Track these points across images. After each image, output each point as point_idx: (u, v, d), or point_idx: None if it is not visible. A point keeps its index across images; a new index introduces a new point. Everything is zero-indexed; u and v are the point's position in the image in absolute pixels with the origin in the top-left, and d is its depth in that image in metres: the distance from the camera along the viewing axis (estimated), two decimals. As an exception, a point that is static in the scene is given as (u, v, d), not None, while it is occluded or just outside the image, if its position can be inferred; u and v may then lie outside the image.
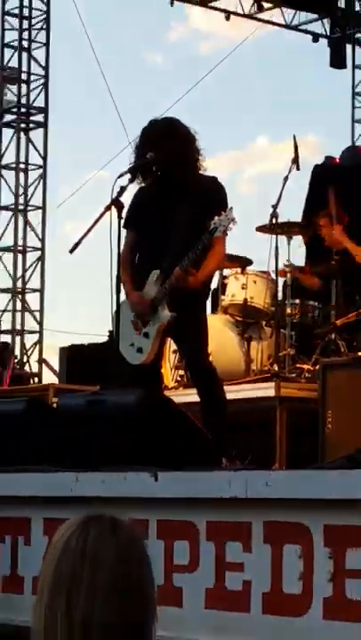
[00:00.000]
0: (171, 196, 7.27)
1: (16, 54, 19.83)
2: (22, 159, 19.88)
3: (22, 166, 19.91)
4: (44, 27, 19.98)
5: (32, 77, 19.89)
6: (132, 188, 7.78)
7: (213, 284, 11.74)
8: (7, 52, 19.78)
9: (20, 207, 19.81)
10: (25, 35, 19.88)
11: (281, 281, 10.24)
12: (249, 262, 10.62)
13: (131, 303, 7.30)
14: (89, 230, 7.79)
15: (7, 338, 18.98)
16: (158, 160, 7.26)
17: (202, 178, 7.41)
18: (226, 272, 10.61)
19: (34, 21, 19.93)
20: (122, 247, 7.32)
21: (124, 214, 7.52)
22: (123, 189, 7.63)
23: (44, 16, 19.99)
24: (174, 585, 5.68)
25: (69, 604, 2.41)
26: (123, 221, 7.38)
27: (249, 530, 5.41)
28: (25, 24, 19.79)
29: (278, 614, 5.25)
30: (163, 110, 19.78)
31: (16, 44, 19.78)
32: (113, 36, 34.62)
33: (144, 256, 7.38)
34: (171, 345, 9.78)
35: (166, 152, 7.22)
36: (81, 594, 2.42)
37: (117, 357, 7.31)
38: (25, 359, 18.82)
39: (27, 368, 17.99)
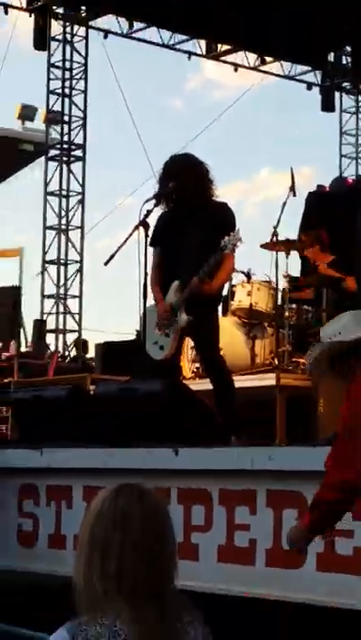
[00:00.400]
0: (188, 219, 7.20)
1: (59, 100, 19.81)
2: (64, 187, 19.92)
3: (64, 193, 19.95)
4: (83, 77, 20.01)
5: (73, 119, 19.92)
6: (156, 212, 7.74)
7: (224, 292, 11.73)
8: (52, 98, 19.80)
9: (63, 227, 19.89)
10: (67, 83, 19.89)
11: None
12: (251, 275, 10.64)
13: (157, 308, 7.22)
14: (120, 246, 7.75)
15: (52, 336, 19.05)
16: (178, 189, 7.20)
17: (214, 203, 7.35)
18: (234, 281, 10.56)
19: (74, 72, 19.93)
20: (150, 262, 7.35)
21: (149, 233, 7.50)
22: (148, 212, 7.59)
23: (83, 68, 20.02)
24: (192, 542, 5.73)
25: (103, 559, 2.42)
26: (150, 240, 7.37)
27: (254, 496, 5.47)
28: (67, 74, 19.81)
29: (279, 567, 5.30)
30: (181, 147, 19.91)
31: (60, 91, 19.80)
32: (140, 83, 34.87)
33: (166, 269, 7.27)
34: (188, 342, 9.73)
35: (184, 182, 7.17)
36: (113, 551, 2.43)
37: (143, 353, 7.31)
38: (66, 354, 18.82)
39: (67, 361, 17.90)
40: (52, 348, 18.28)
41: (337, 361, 4.65)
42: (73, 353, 19.12)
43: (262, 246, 9.96)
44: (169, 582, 2.50)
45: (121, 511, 2.47)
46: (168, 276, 7.23)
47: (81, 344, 18.46)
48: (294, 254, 10.25)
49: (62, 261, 19.88)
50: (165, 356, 7.18)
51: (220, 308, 8.58)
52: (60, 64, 19.81)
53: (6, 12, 19.02)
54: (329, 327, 5.08)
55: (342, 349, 4.59)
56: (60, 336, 19.61)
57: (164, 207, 7.41)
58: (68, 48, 19.84)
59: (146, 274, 7.47)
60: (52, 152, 20.02)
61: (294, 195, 9.83)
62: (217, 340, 7.29)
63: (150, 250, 7.52)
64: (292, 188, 9.73)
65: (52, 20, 19.56)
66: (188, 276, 6.97)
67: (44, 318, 19.33)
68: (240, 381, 7.93)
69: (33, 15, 19.32)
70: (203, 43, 21.03)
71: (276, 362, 8.80)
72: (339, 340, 4.62)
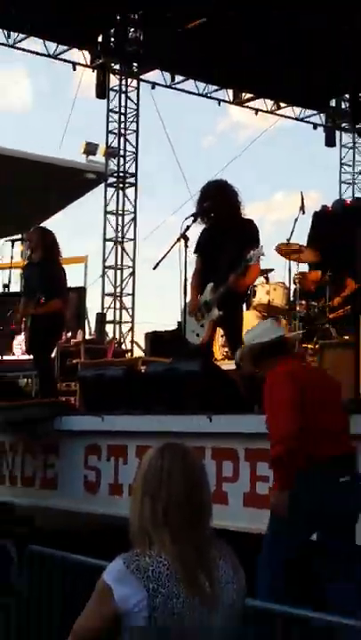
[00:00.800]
0: (222, 233, 7.14)
1: (116, 138, 19.88)
2: (120, 207, 19.98)
3: (120, 212, 19.99)
4: (135, 119, 19.95)
5: (127, 153, 19.95)
6: (194, 227, 7.71)
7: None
8: (110, 137, 19.84)
9: (119, 239, 19.95)
10: (122, 125, 19.89)
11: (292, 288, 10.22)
12: (271, 270, 10.72)
13: (192, 305, 7.21)
14: (165, 255, 7.74)
15: (110, 326, 19.15)
16: (213, 208, 7.16)
17: (242, 221, 7.26)
18: (255, 282, 10.58)
19: (128, 116, 19.91)
20: (192, 268, 7.36)
21: (188, 245, 7.49)
22: (188, 228, 7.58)
23: (135, 112, 19.95)
24: (223, 490, 5.75)
25: (153, 502, 2.44)
26: (194, 249, 7.37)
27: None
28: (122, 118, 19.83)
29: None
30: (213, 174, 19.87)
31: (116, 131, 19.84)
32: (180, 124, 35.05)
33: (204, 274, 7.23)
34: (219, 331, 9.70)
35: (218, 203, 7.13)
36: (161, 496, 2.44)
37: (183, 340, 7.31)
38: (122, 341, 18.89)
39: (123, 347, 17.95)
40: (111, 335, 18.35)
41: (258, 359, 4.88)
42: (128, 339, 19.23)
43: (276, 249, 9.99)
44: (205, 522, 2.50)
45: (168, 464, 2.47)
46: (205, 279, 7.19)
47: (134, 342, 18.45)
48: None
49: (118, 267, 19.95)
50: (201, 342, 7.14)
51: (244, 306, 8.57)
52: (116, 109, 19.81)
53: (74, 69, 19.04)
54: (251, 332, 5.25)
55: (262, 349, 4.77)
56: (117, 326, 19.70)
57: (202, 223, 7.35)
58: (123, 96, 19.86)
59: (185, 277, 7.47)
60: (110, 180, 20.05)
61: (303, 213, 9.88)
62: (241, 329, 7.25)
63: (189, 258, 7.46)
64: (302, 208, 9.76)
65: (110, 75, 19.60)
66: (221, 280, 6.93)
67: (104, 312, 19.43)
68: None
69: (95, 71, 19.34)
70: (230, 92, 20.92)
71: (290, 347, 8.76)
72: (258, 342, 4.86)
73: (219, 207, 7.14)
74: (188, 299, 7.27)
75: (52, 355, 9.49)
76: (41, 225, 9.21)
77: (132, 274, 20.04)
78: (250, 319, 10.01)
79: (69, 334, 13.55)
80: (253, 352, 5.00)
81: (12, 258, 11.51)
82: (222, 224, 7.15)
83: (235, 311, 7.24)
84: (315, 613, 3.85)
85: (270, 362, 4.86)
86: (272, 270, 10.40)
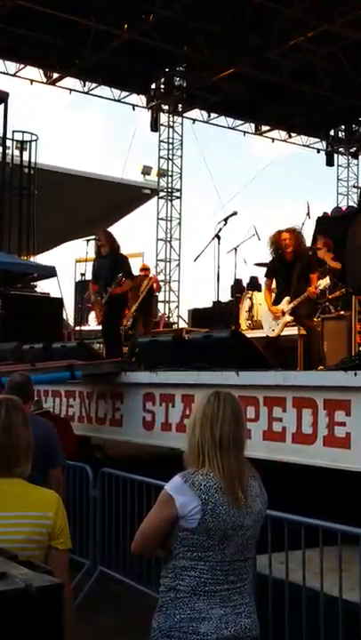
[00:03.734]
0: (291, 262, 7.21)
1: (166, 162, 19.81)
2: (169, 215, 20.00)
3: (169, 218, 20.04)
4: (180, 147, 19.98)
5: (174, 174, 19.93)
6: (224, 229, 7.67)
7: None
8: (161, 161, 19.85)
9: (168, 239, 19.95)
10: (170, 152, 19.89)
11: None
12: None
13: (272, 310, 7.32)
14: (203, 250, 7.74)
15: (161, 305, 19.22)
16: (292, 249, 7.16)
17: (305, 255, 7.45)
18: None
19: (175, 144, 19.92)
20: (266, 286, 7.57)
21: (221, 242, 7.47)
22: (220, 229, 7.53)
23: (180, 142, 19.97)
24: (247, 428, 5.58)
25: (211, 429, 2.42)
26: (265, 272, 7.58)
27: (285, 401, 5.37)
28: (170, 146, 19.77)
29: (300, 443, 5.20)
30: (239, 188, 19.93)
31: (166, 156, 19.77)
32: (214, 151, 34.68)
33: (280, 291, 7.36)
34: (244, 307, 9.60)
35: (297, 244, 7.21)
36: (215, 425, 2.42)
37: (217, 314, 7.29)
38: (170, 315, 18.94)
39: (171, 320, 17.99)
40: (162, 312, 18.40)
41: None
42: (175, 314, 19.28)
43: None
44: (242, 450, 2.49)
45: (221, 403, 2.46)
46: (281, 294, 7.29)
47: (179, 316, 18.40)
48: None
49: (167, 260, 19.99)
50: (275, 334, 7.28)
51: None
52: (165, 140, 19.76)
53: (133, 109, 18.97)
54: None
55: None
56: (167, 305, 19.78)
57: (275, 254, 7.35)
58: (170, 130, 19.77)
59: (218, 266, 7.46)
60: (161, 194, 20.03)
61: (309, 218, 9.71)
62: (310, 325, 7.46)
63: (221, 253, 7.53)
64: (308, 214, 9.59)
65: (161, 114, 19.50)
66: (295, 295, 7.10)
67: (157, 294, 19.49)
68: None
69: (150, 110, 19.24)
70: (253, 125, 20.68)
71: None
72: None
73: (297, 248, 7.22)
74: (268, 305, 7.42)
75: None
76: (106, 229, 9.31)
77: (178, 265, 20.12)
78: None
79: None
80: None
81: (87, 253, 11.56)
82: (293, 256, 7.22)
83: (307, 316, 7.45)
84: (315, 520, 3.85)
85: None
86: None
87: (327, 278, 7.25)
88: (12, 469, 2.36)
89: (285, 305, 7.19)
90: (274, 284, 7.61)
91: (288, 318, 7.18)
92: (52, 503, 2.36)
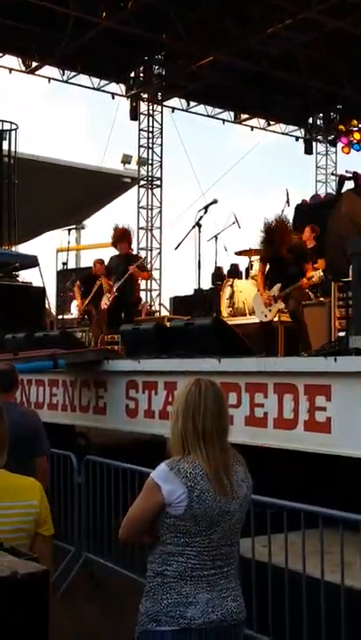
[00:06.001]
0: (285, 254, 7.25)
1: (146, 150, 19.67)
2: (149, 203, 19.86)
3: (149, 207, 19.88)
4: (160, 136, 19.76)
5: (154, 162, 19.79)
6: (205, 218, 7.65)
7: (245, 264, 11.58)
8: (141, 150, 19.64)
9: (149, 227, 19.87)
10: (150, 140, 19.65)
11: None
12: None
13: (263, 296, 7.37)
14: (183, 238, 7.73)
15: (143, 293, 19.16)
16: (280, 242, 7.19)
17: (296, 244, 7.54)
18: (253, 258, 10.40)
19: (154, 133, 19.70)
20: (259, 271, 7.63)
21: (202, 230, 7.46)
22: (200, 218, 7.51)
23: (160, 130, 19.73)
24: (230, 414, 5.60)
25: (193, 419, 2.40)
26: (260, 257, 7.74)
27: (266, 387, 5.36)
28: (150, 135, 19.61)
29: (281, 429, 5.21)
30: (219, 176, 19.91)
31: (146, 145, 19.62)
32: (194, 139, 34.67)
33: (273, 277, 7.36)
34: (224, 294, 9.60)
35: (284, 239, 7.22)
36: (198, 414, 2.41)
37: (199, 302, 7.30)
38: (152, 304, 18.91)
39: (153, 308, 17.96)
40: (144, 300, 18.35)
41: None
42: (157, 302, 19.23)
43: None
44: (226, 435, 2.48)
45: (203, 391, 2.44)
46: (274, 281, 7.32)
47: (161, 305, 18.38)
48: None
49: (149, 248, 19.92)
50: (268, 319, 7.35)
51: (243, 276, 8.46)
52: (145, 128, 19.60)
53: (113, 98, 18.83)
54: None
55: None
56: (149, 293, 19.69)
57: (267, 243, 7.35)
58: (150, 119, 19.64)
59: (199, 254, 7.44)
60: (142, 182, 19.92)
61: (288, 205, 9.74)
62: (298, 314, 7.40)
63: (202, 241, 7.46)
64: (287, 201, 9.61)
65: (141, 102, 19.37)
66: (286, 282, 7.17)
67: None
68: (256, 318, 7.84)
69: (129, 99, 19.10)
70: (232, 113, 20.62)
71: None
72: None
73: (284, 241, 7.25)
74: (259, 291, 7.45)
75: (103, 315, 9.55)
76: (123, 226, 9.38)
77: (160, 253, 20.02)
78: (249, 286, 9.92)
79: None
80: None
81: (68, 242, 11.50)
82: (286, 248, 7.25)
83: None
84: (297, 504, 3.87)
85: None
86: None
87: (320, 271, 7.26)
88: None
89: (276, 291, 7.24)
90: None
91: (281, 305, 7.25)
92: (36, 491, 2.34)
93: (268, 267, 7.50)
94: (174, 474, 2.37)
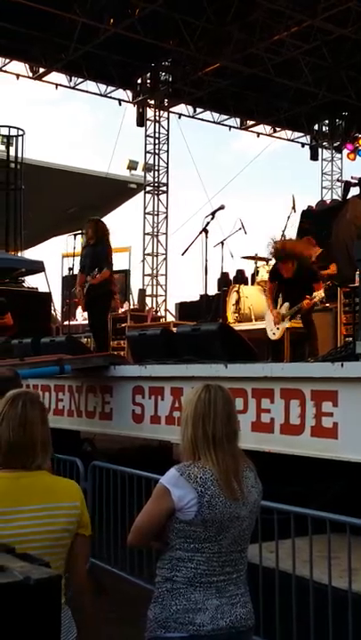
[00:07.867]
0: (292, 270, 7.24)
1: (152, 156, 19.74)
2: (155, 209, 19.90)
3: (155, 212, 19.92)
4: (166, 142, 19.85)
5: (160, 168, 19.85)
6: (212, 223, 7.63)
7: (251, 270, 11.58)
8: (148, 155, 19.74)
9: (155, 233, 19.89)
10: (156, 146, 19.74)
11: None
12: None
13: (273, 314, 7.41)
14: (190, 244, 7.72)
15: (149, 299, 19.15)
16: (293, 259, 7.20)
17: (307, 263, 7.43)
18: (258, 264, 10.40)
19: (161, 139, 19.79)
20: (268, 289, 7.59)
21: (208, 236, 7.45)
22: (208, 224, 7.50)
23: (166, 136, 19.84)
24: (236, 420, 5.57)
25: (203, 424, 2.40)
26: (269, 276, 7.63)
27: (273, 392, 5.34)
28: (156, 141, 19.70)
29: (288, 434, 5.19)
30: (226, 182, 19.92)
31: (152, 151, 19.73)
32: (201, 145, 34.70)
33: (284, 296, 7.37)
34: (230, 300, 9.56)
35: (300, 259, 7.22)
36: (208, 420, 2.40)
37: (204, 308, 7.30)
38: (158, 309, 18.90)
39: (159, 314, 17.97)
40: (149, 306, 18.37)
41: None
42: (163, 308, 19.23)
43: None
44: (236, 441, 2.47)
45: (213, 397, 2.44)
46: (284, 299, 7.32)
47: (167, 311, 18.38)
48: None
49: (155, 254, 19.94)
50: (276, 337, 7.39)
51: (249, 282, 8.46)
52: (152, 134, 19.68)
53: (120, 104, 18.87)
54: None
55: None
56: (154, 299, 19.71)
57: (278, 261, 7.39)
58: (157, 125, 19.70)
59: (206, 260, 7.44)
60: (148, 188, 19.96)
61: (295, 211, 9.74)
62: (310, 330, 7.46)
63: (208, 247, 7.46)
64: (293, 207, 9.61)
65: (147, 108, 19.41)
66: (296, 300, 7.16)
67: (144, 288, 19.42)
68: (263, 324, 7.82)
69: (136, 105, 19.14)
70: (238, 120, 20.63)
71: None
72: None
73: (300, 262, 7.25)
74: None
75: (107, 318, 9.45)
76: (94, 217, 9.14)
77: (165, 259, 20.03)
78: (255, 292, 9.93)
79: (124, 306, 13.58)
80: None
81: (74, 248, 11.50)
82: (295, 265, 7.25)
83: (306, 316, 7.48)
84: (305, 509, 3.86)
85: None
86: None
87: (321, 291, 7.25)
88: (26, 464, 2.35)
89: (285, 310, 7.30)
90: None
91: (287, 324, 7.30)
92: (77, 492, 2.40)
93: (276, 284, 7.50)
94: (185, 479, 2.37)
